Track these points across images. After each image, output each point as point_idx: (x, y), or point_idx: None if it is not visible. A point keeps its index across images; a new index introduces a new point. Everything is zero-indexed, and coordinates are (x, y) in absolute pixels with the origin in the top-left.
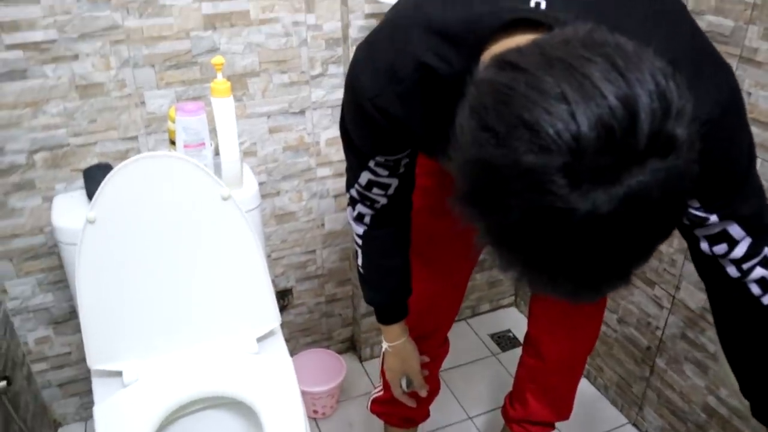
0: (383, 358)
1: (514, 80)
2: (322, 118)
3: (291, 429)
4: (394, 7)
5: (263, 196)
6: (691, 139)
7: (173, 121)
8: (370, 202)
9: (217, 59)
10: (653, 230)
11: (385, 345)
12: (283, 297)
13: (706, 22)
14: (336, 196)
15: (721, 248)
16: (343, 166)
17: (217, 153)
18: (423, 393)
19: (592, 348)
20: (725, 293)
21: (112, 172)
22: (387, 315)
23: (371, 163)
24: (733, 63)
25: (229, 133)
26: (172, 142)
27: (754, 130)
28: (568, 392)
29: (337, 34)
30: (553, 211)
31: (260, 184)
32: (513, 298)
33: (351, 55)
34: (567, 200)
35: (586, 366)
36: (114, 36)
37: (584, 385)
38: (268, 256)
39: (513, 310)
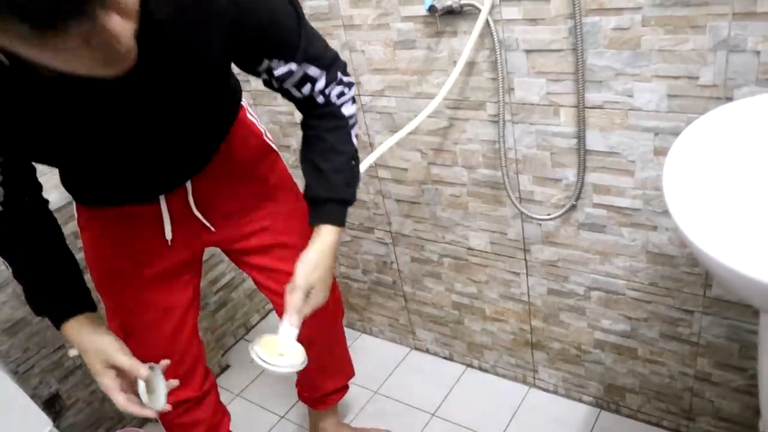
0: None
1: None
2: None
3: None
4: None
5: None
6: None
7: None
8: None
9: None
10: None
11: (73, 353)
12: (53, 404)
13: None
14: None
15: (307, 88)
16: None
17: None
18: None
19: (341, 311)
20: (316, 114)
21: None
22: (58, 310)
23: None
24: None
25: None
26: None
27: None
28: (341, 356)
29: None
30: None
31: None
32: None
33: None
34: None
35: (360, 323)
36: None
37: (366, 340)
38: (15, 372)
39: None
